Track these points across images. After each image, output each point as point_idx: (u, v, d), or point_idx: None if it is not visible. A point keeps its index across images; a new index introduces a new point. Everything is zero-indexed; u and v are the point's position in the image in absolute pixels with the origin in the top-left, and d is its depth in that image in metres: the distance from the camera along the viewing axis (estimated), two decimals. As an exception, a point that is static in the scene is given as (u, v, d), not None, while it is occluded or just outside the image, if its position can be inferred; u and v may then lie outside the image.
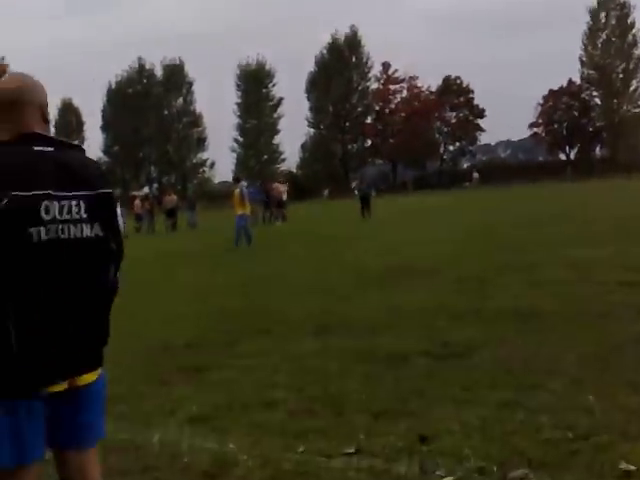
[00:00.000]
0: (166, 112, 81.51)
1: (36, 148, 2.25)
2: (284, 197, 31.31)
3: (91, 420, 2.41)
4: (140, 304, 9.89)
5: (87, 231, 2.29)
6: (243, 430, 4.48)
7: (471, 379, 5.06)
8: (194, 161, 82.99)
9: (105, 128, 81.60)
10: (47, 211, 2.19)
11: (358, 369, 5.62)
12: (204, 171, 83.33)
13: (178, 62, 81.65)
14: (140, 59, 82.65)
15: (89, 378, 2.36)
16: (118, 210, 2.44)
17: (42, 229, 2.17)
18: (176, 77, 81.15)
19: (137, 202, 35.56)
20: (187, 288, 11.50)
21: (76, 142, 2.50)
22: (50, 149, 2.29)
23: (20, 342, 2.16)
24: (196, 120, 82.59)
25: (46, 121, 2.41)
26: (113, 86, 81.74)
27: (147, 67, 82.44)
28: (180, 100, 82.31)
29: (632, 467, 3.41)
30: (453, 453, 3.79)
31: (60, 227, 2.22)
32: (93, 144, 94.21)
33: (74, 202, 2.26)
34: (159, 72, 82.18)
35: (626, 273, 8.85)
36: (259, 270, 13.17)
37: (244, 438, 4.33)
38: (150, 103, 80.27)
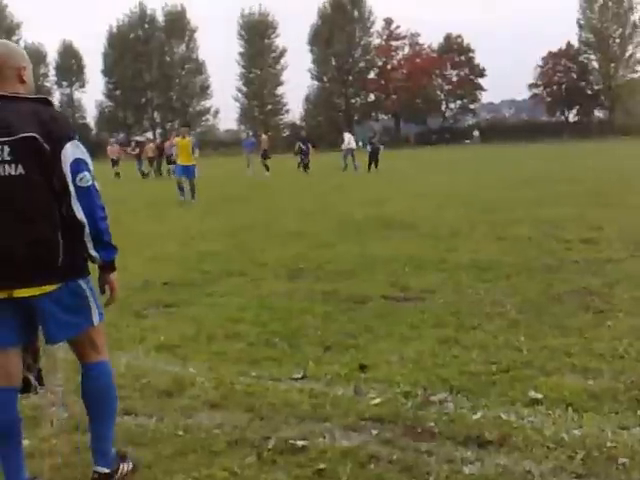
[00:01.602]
0: (168, 59, 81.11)
1: None
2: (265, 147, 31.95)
3: (56, 322, 2.93)
4: (129, 245, 10.32)
5: (10, 170, 2.78)
6: (204, 357, 4.92)
7: (419, 319, 5.49)
8: (197, 108, 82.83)
9: (106, 72, 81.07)
10: None
11: (319, 309, 6.04)
12: (208, 119, 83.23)
13: (180, 8, 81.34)
14: (141, 4, 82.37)
15: (30, 292, 2.84)
16: (67, 150, 2.83)
17: None
18: (178, 24, 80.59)
19: (110, 147, 35.61)
20: (175, 232, 11.92)
21: (41, 96, 2.97)
22: None
23: None
24: (199, 67, 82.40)
25: (22, 81, 2.95)
26: (114, 30, 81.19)
27: (148, 12, 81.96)
28: (182, 47, 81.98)
29: (539, 395, 3.84)
30: (386, 380, 4.23)
31: None
32: (94, 87, 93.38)
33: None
34: (161, 18, 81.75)
35: (588, 231, 9.25)
36: (249, 217, 13.55)
37: (204, 364, 4.77)
38: (152, 49, 79.87)
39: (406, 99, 76.60)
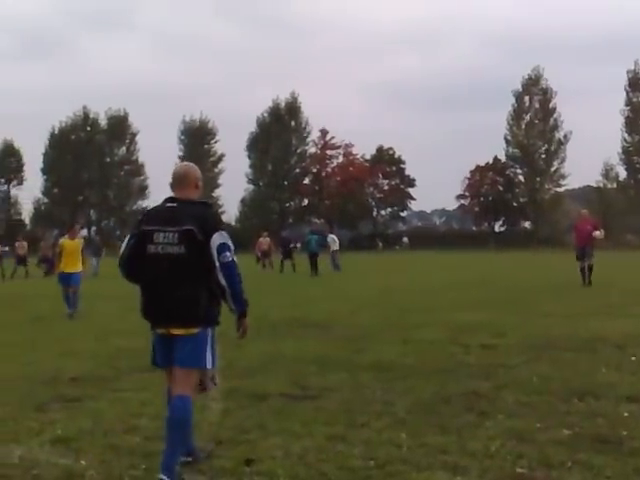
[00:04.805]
0: (108, 160, 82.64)
1: (167, 204, 4.46)
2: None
3: (181, 356, 4.31)
4: (47, 339, 10.72)
5: (176, 249, 4.28)
6: (98, 451, 5.00)
7: (312, 416, 5.71)
8: (134, 207, 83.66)
9: (46, 170, 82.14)
10: (157, 237, 4.32)
11: (219, 405, 6.19)
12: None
13: (122, 113, 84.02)
14: (85, 108, 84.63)
15: (179, 331, 4.29)
16: (214, 238, 4.24)
17: (152, 246, 4.34)
18: (120, 127, 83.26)
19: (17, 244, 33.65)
20: (93, 328, 11.95)
21: (203, 200, 4.58)
22: (174, 205, 4.42)
23: (142, 304, 4.44)
24: (138, 169, 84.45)
25: (197, 187, 4.57)
26: (56, 131, 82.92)
27: (91, 116, 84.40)
28: (123, 149, 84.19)
29: (407, 488, 4.09)
30: (268, 473, 4.42)
31: (161, 246, 4.32)
32: (32, 184, 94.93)
33: (171, 234, 4.30)
34: (103, 121, 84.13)
35: (491, 337, 9.71)
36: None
37: (97, 457, 4.86)
38: (92, 150, 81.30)
39: (339, 204, 78.97)
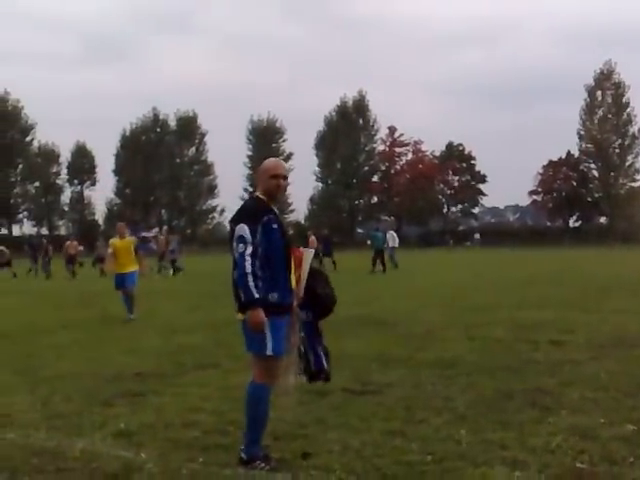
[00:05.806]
0: (178, 160, 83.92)
1: None
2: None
3: (245, 340, 4.59)
4: (112, 336, 10.96)
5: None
6: (158, 444, 5.08)
7: (371, 411, 5.68)
8: (204, 207, 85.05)
9: (117, 171, 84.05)
10: None
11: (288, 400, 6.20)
12: (214, 217, 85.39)
13: (192, 114, 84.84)
14: (155, 109, 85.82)
15: (237, 316, 4.53)
16: (236, 230, 4.46)
17: None
18: (189, 128, 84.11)
19: (67, 243, 33.85)
20: (157, 325, 12.18)
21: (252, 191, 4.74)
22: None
23: None
24: (207, 169, 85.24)
25: (260, 182, 4.74)
26: (127, 133, 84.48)
27: (161, 117, 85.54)
28: (192, 149, 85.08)
29: (463, 485, 4.02)
30: (325, 467, 4.42)
31: None
32: (104, 185, 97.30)
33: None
34: (173, 122, 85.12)
35: (559, 334, 9.45)
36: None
37: (156, 450, 4.94)
38: (162, 151, 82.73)
39: (408, 202, 78.60)
